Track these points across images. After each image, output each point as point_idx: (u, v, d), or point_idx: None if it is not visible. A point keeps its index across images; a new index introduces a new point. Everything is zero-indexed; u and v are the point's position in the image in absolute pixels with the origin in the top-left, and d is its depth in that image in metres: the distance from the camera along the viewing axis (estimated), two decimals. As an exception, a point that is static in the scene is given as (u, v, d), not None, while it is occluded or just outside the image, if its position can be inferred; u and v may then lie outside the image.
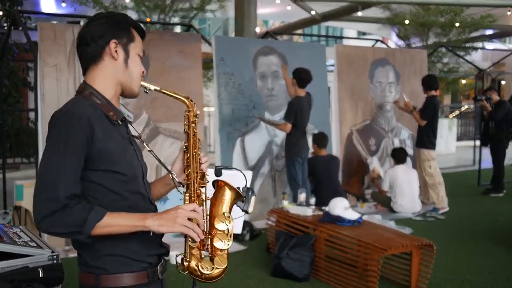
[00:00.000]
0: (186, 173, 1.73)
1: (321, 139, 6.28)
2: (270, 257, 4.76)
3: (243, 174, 1.90)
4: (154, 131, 5.74)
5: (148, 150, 1.83)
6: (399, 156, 6.89)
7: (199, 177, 1.73)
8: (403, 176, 6.75)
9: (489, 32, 15.96)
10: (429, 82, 6.92)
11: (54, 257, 3.44)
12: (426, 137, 6.88)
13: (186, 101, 1.77)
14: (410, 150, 7.77)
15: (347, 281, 4.14)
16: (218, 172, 1.82)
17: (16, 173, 8.99)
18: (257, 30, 10.74)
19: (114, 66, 1.69)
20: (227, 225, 1.67)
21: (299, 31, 15.88)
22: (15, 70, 10.62)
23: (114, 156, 1.60)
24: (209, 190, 1.75)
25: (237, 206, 1.74)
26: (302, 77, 5.81)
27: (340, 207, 4.51)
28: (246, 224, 5.53)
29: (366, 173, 7.28)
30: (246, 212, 1.74)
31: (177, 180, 1.78)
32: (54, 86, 5.26)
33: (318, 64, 6.97)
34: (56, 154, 1.53)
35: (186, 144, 1.77)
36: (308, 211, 4.78)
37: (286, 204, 5.07)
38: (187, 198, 1.69)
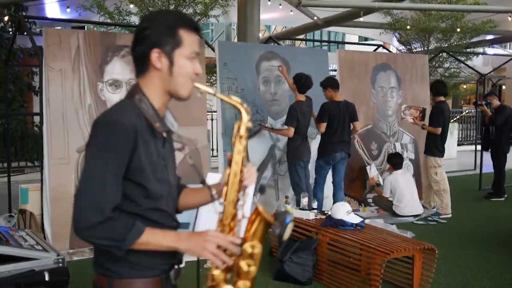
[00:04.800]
0: (224, 191, 1.63)
1: (334, 82, 6.25)
2: (273, 261, 4.78)
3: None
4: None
5: (191, 164, 1.73)
6: (396, 161, 6.95)
7: (236, 199, 1.62)
8: (403, 181, 6.81)
9: (489, 37, 16.00)
10: (437, 88, 6.94)
11: (60, 260, 3.47)
12: (433, 145, 6.88)
13: (242, 109, 1.64)
14: (411, 155, 7.81)
15: (349, 285, 4.17)
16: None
17: (20, 176, 9.02)
18: (260, 35, 10.79)
19: (159, 76, 1.62)
20: (256, 250, 1.59)
21: (301, 36, 15.93)
22: (20, 74, 10.68)
23: (147, 173, 1.57)
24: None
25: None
26: (302, 82, 5.85)
27: (342, 211, 4.55)
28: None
29: (368, 177, 7.31)
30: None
31: (216, 197, 1.69)
32: (59, 90, 5.31)
33: (321, 69, 7.02)
34: (102, 163, 1.51)
35: (230, 158, 1.65)
36: (311, 215, 4.82)
37: (288, 208, 5.10)
38: (219, 223, 1.61)
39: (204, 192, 1.78)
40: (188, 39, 1.62)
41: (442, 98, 6.89)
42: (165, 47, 1.59)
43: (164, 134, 1.65)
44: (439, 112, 6.80)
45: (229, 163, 1.65)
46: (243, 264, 1.58)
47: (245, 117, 1.63)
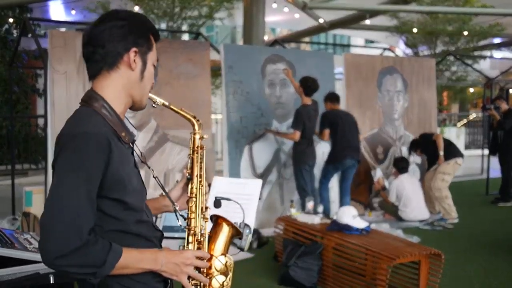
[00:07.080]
0: (190, 205, 1.58)
1: (333, 96, 6.29)
2: (278, 265, 4.75)
3: (242, 210, 1.78)
4: (163, 138, 5.76)
5: (154, 177, 1.65)
6: (401, 166, 6.91)
7: (203, 212, 1.58)
8: (409, 185, 6.76)
9: (497, 40, 15.93)
10: None
11: (64, 263, 3.45)
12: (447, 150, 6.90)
13: (193, 121, 1.63)
14: (418, 159, 7.75)
15: (355, 290, 4.13)
16: (217, 204, 1.73)
17: (24, 179, 9.04)
18: (265, 38, 10.77)
19: (128, 77, 1.50)
20: (224, 264, 1.56)
21: (307, 39, 15.89)
22: (25, 77, 10.71)
23: (125, 185, 1.44)
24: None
25: (234, 243, 1.64)
26: (308, 85, 5.83)
27: (348, 215, 4.50)
28: (254, 231, 5.54)
29: (374, 181, 7.26)
30: (241, 250, 1.67)
31: (180, 213, 1.65)
32: (63, 93, 5.30)
33: (326, 72, 6.99)
34: (75, 181, 1.34)
35: (189, 172, 1.61)
36: (316, 220, 4.78)
37: (294, 212, 5.07)
38: (191, 240, 1.56)
39: (163, 201, 1.75)
40: (154, 46, 1.56)
41: None
42: (142, 48, 1.51)
43: (130, 144, 1.53)
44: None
45: (190, 176, 1.61)
46: (215, 282, 1.56)
47: (197, 128, 1.63)
